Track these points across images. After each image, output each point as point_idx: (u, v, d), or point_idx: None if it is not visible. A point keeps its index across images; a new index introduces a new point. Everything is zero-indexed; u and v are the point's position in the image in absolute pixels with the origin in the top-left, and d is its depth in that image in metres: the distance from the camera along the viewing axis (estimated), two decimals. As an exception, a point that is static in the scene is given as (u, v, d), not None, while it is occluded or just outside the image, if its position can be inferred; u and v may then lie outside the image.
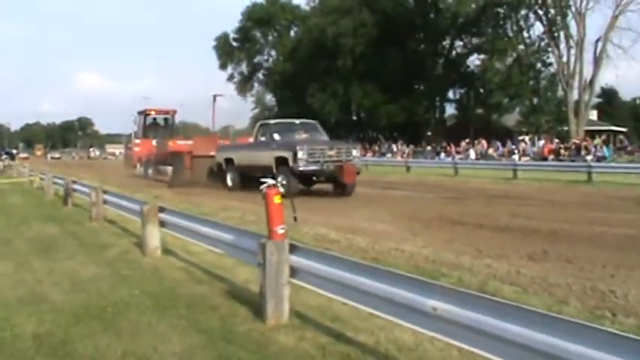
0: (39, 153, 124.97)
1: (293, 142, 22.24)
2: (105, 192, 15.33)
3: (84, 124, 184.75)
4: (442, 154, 52.69)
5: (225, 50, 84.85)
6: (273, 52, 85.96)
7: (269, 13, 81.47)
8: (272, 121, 24.95)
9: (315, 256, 6.31)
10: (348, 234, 12.13)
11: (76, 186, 18.76)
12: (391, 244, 11.02)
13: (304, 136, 23.29)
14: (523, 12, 56.97)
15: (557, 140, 47.74)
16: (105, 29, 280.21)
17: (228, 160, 25.41)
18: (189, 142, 31.49)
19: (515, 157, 44.66)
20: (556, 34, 53.56)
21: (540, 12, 54.51)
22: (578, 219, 14.56)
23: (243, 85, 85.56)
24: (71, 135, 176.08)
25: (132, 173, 38.02)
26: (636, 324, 6.35)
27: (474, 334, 4.32)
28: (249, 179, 22.43)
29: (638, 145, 48.09)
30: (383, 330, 5.95)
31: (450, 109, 72.64)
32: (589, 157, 40.06)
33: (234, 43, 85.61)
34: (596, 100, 62.83)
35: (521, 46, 58.30)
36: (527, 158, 44.58)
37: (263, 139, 23.34)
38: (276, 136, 22.69)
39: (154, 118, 42.27)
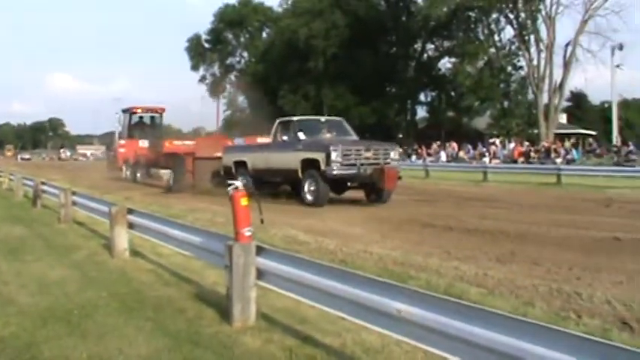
0: (9, 154, 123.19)
1: (324, 141, 19.86)
2: (74, 193, 15.20)
3: (55, 124, 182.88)
4: (413, 157, 52.86)
5: (198, 52, 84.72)
6: (245, 54, 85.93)
7: (241, 15, 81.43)
8: (295, 119, 21.84)
9: (281, 258, 6.31)
10: (318, 236, 12.13)
11: (45, 187, 18.56)
12: (360, 246, 11.05)
13: (330, 135, 20.89)
14: (494, 16, 57.35)
15: (527, 143, 48.09)
16: (77, 30, 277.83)
17: (240, 163, 22.38)
18: (188, 143, 28.35)
19: (486, 159, 44.96)
20: (526, 38, 54.00)
21: (511, 16, 54.90)
22: (546, 221, 14.67)
23: (216, 87, 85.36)
24: (42, 136, 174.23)
25: (116, 176, 35.04)
26: (600, 325, 6.41)
27: (438, 336, 4.34)
28: (265, 184, 20.78)
29: (606, 148, 48.50)
30: (350, 332, 5.94)
31: (422, 112, 72.99)
32: (558, 160, 40.41)
33: (207, 45, 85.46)
34: (565, 104, 63.40)
35: (492, 50, 58.67)
36: (497, 161, 44.89)
37: (285, 138, 20.58)
38: (302, 135, 20.06)
39: (141, 117, 38.94)
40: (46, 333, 6.36)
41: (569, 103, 73.26)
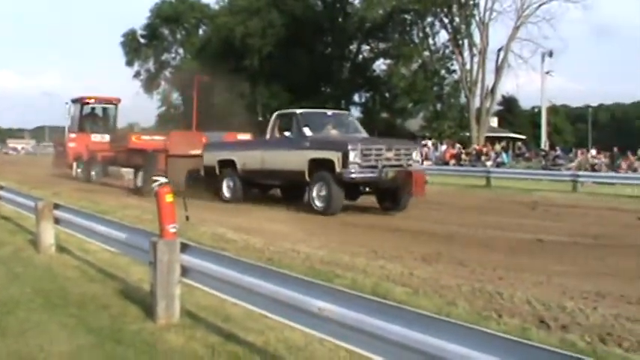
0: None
1: (339, 138, 17.67)
2: (0, 188, 14.87)
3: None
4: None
5: (133, 47, 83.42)
6: (181, 51, 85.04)
7: (177, 11, 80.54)
8: (298, 111, 18.84)
9: (206, 255, 6.30)
10: (246, 234, 12.11)
11: (-31, 182, 18.06)
12: (288, 244, 11.09)
13: (336, 131, 18.56)
14: (429, 19, 57.86)
15: (458, 145, 48.70)
16: (6, 22, 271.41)
17: (226, 163, 19.61)
18: (158, 138, 24.55)
19: (418, 161, 45.20)
20: (460, 42, 54.63)
21: (446, 20, 55.49)
22: (474, 222, 14.93)
23: (150, 83, 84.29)
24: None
25: (64, 174, 31.13)
26: (520, 324, 6.56)
27: (360, 334, 4.37)
28: (256, 188, 19.48)
29: (535, 152, 49.46)
30: (273, 330, 5.95)
31: (356, 112, 73.28)
32: (489, 163, 41.00)
33: (142, 40, 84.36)
34: (497, 108, 64.36)
35: (427, 53, 59.21)
36: (429, 162, 45.31)
37: (287, 134, 18.02)
38: (308, 131, 17.46)
39: (93, 108, 34.38)
40: (-36, 329, 6.22)
41: (501, 107, 74.36)
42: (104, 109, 35.15)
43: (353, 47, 69.52)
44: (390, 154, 16.75)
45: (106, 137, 30.43)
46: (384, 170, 16.17)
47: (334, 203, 16.14)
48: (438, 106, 58.82)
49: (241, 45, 63.90)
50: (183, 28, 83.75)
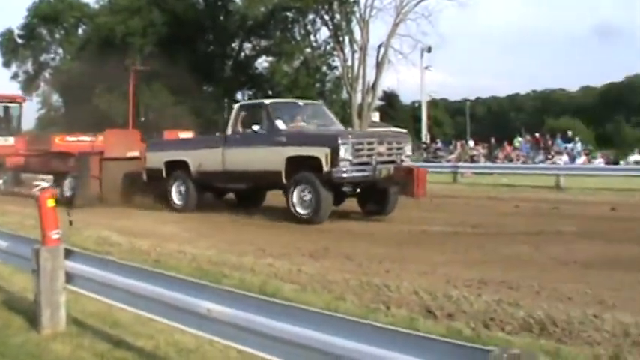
0: None
1: (326, 132, 15.65)
2: None
3: None
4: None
5: (10, 48, 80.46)
6: (60, 51, 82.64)
7: (56, 11, 78.11)
8: (267, 102, 16.65)
9: (91, 261, 6.17)
10: (132, 237, 11.84)
11: None
12: (175, 245, 10.94)
13: (312, 124, 16.33)
14: (310, 17, 58.05)
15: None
16: None
17: (175, 165, 16.96)
18: (85, 139, 21.54)
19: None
20: (341, 39, 55.03)
21: (327, 17, 55.76)
22: (358, 216, 15.09)
23: (29, 84, 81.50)
24: None
25: None
26: (408, 315, 6.69)
27: (249, 334, 4.36)
28: (213, 192, 17.38)
29: (416, 145, 50.47)
30: (163, 333, 5.87)
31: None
32: (372, 157, 41.49)
33: (20, 40, 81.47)
34: (378, 103, 65.21)
35: (308, 50, 59.50)
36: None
37: (255, 128, 15.36)
38: (281, 124, 15.25)
39: None
40: None
41: (382, 102, 75.47)
42: (5, 108, 29.96)
43: (235, 45, 69.12)
44: (383, 149, 14.71)
45: (11, 140, 26.24)
46: (379, 168, 14.20)
47: (322, 209, 14.00)
48: (321, 102, 59.19)
49: (122, 44, 62.63)
50: (63, 27, 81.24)
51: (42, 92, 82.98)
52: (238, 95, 70.25)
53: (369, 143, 14.55)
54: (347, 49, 54.75)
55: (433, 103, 72.34)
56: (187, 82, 62.27)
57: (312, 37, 59.46)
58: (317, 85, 59.23)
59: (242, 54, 69.88)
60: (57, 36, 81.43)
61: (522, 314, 6.47)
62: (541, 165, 33.12)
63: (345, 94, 56.65)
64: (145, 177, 17.84)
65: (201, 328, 4.79)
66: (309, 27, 59.37)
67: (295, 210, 14.26)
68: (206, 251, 10.45)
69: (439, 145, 45.90)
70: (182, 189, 16.83)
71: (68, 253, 6.33)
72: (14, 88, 79.23)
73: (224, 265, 9.26)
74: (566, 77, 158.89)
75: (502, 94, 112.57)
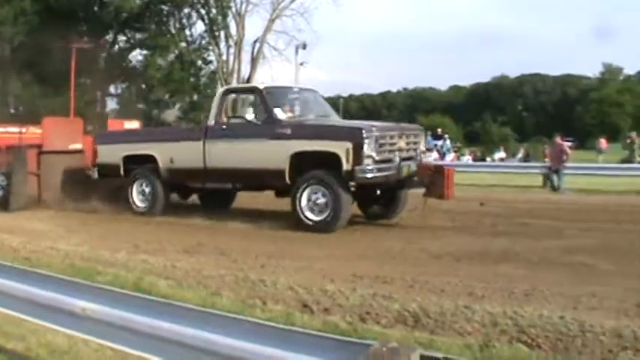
0: None
1: (346, 124, 14.23)
2: None
3: None
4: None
5: None
6: None
7: None
8: (262, 86, 14.22)
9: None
10: (0, 233, 11.41)
11: None
12: (47, 242, 10.60)
13: (308, 112, 14.20)
14: (186, 10, 57.52)
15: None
16: None
17: (138, 160, 14.60)
18: (13, 130, 18.28)
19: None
20: (217, 34, 54.83)
21: (202, 11, 55.44)
22: (233, 213, 14.87)
23: None
24: None
25: None
26: (284, 310, 6.69)
27: (125, 332, 4.23)
28: (182, 192, 15.24)
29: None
30: (35, 334, 5.63)
31: (112, 104, 71.40)
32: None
33: None
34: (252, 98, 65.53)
35: (184, 44, 58.89)
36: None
37: (249, 117, 13.36)
38: (280, 113, 13.15)
39: None
40: None
41: (255, 97, 75.68)
42: None
43: (109, 37, 67.65)
44: (402, 144, 12.76)
45: None
46: (402, 166, 12.37)
47: (342, 215, 11.98)
48: (195, 96, 58.71)
49: (-8, 33, 60.23)
50: None
51: None
52: (112, 88, 68.89)
53: (391, 137, 12.55)
54: (222, 44, 54.63)
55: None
56: (59, 74, 60.46)
57: (187, 31, 58.84)
58: (192, 79, 58.72)
59: (116, 47, 68.45)
60: None
61: (397, 307, 6.59)
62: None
63: (219, 89, 56.40)
64: (94, 174, 15.40)
65: (75, 327, 4.59)
66: (184, 21, 58.69)
67: (304, 216, 12.14)
68: (79, 248, 10.15)
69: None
70: (146, 189, 14.42)
71: None
72: None
73: (97, 262, 9.02)
74: (435, 76, 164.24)
75: (375, 92, 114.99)
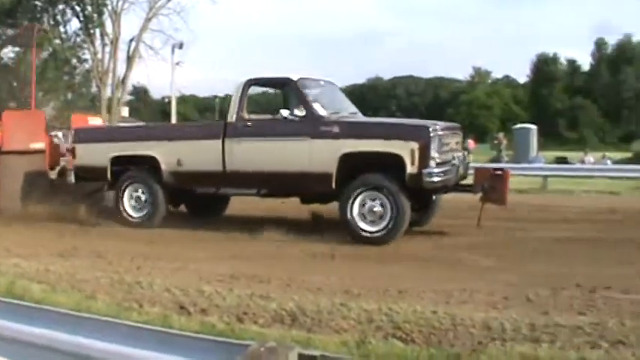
0: None
1: (407, 122, 13.07)
2: None
3: None
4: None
5: None
6: None
7: None
8: (296, 77, 11.83)
9: None
10: None
11: None
12: None
13: (336, 107, 12.25)
14: (60, 7, 56.05)
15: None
16: None
17: (131, 162, 12.65)
18: None
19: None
20: (92, 31, 53.73)
21: (78, 8, 54.16)
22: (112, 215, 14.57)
23: None
24: None
25: None
26: (161, 312, 6.65)
27: (-2, 340, 4.16)
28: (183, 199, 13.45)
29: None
30: None
31: (-18, 102, 68.98)
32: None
33: None
34: (128, 98, 64.40)
35: (58, 41, 57.36)
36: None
37: (285, 113, 11.46)
38: (321, 110, 11.43)
39: None
40: None
41: (132, 97, 74.50)
42: None
43: (-21, 33, 65.20)
44: (453, 143, 11.60)
45: None
46: (458, 168, 11.30)
47: (401, 225, 10.54)
48: (69, 95, 57.34)
49: None
50: None
51: None
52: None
53: (449, 136, 11.46)
54: (98, 42, 53.59)
55: (182, 99, 72.34)
56: None
57: (61, 28, 57.36)
58: (66, 77, 57.28)
59: (-14, 43, 66.01)
60: None
61: (274, 306, 6.67)
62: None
63: (94, 88, 55.38)
64: (70, 177, 13.61)
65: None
66: (58, 17, 57.19)
67: (357, 226, 10.66)
68: (-57, 253, 9.78)
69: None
70: (143, 196, 12.51)
71: None
72: None
73: (-35, 268, 8.72)
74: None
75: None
